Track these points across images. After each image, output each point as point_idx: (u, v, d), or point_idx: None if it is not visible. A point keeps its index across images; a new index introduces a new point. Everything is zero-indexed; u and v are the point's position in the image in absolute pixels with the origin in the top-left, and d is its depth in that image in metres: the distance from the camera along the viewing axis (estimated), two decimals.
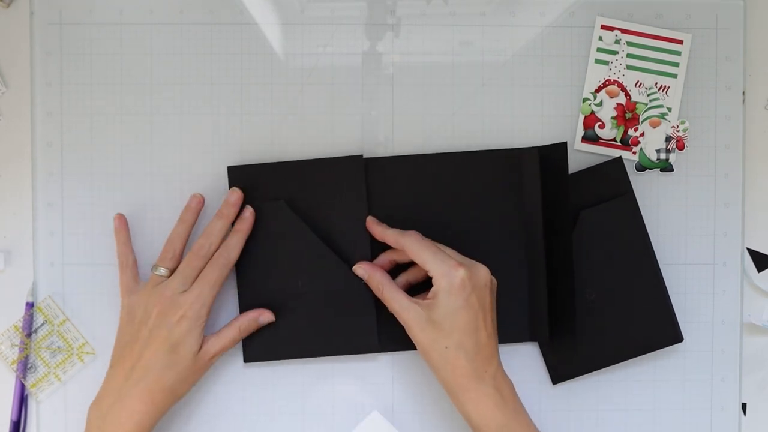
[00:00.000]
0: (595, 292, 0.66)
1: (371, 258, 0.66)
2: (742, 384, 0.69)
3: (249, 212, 0.65)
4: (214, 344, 0.63)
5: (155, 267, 0.63)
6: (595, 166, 0.67)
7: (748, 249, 0.69)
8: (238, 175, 0.66)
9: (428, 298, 0.61)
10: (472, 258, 0.62)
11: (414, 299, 0.62)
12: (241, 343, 0.66)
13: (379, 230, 0.65)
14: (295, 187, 0.66)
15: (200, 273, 0.63)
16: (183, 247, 0.64)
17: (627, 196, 0.67)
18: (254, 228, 0.65)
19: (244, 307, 0.66)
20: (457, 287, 0.59)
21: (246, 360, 0.66)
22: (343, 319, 0.66)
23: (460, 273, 0.59)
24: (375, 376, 0.68)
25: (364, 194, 0.66)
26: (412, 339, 0.61)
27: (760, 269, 0.70)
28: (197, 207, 0.65)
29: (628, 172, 0.68)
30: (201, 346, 0.62)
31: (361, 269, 0.64)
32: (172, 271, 0.63)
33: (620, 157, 0.67)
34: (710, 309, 0.69)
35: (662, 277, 0.67)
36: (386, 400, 0.68)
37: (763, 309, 0.70)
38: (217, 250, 0.63)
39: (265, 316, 0.65)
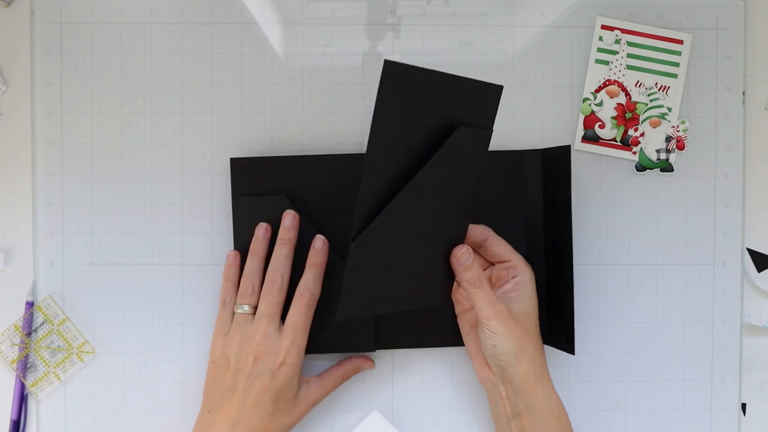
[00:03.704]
0: (420, 227, 0.57)
1: None
2: (742, 384, 0.69)
3: (321, 242, 0.63)
4: (318, 390, 0.64)
5: (238, 305, 0.62)
6: (477, 81, 0.56)
7: (748, 249, 0.69)
8: (240, 167, 0.65)
9: (508, 291, 0.62)
10: None
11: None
12: None
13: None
14: (297, 182, 0.65)
15: (282, 308, 0.62)
16: (261, 280, 0.63)
17: (487, 132, 0.58)
18: (253, 221, 0.64)
19: None
20: (533, 280, 0.63)
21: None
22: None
23: (530, 268, 0.63)
24: (375, 376, 0.68)
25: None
26: (502, 330, 0.59)
27: (760, 269, 0.70)
28: (266, 236, 0.64)
29: (629, 173, 0.68)
30: (300, 389, 0.62)
31: (467, 254, 0.59)
32: (254, 307, 0.62)
33: (501, 86, 0.57)
34: (710, 309, 0.69)
35: (465, 234, 0.60)
36: (386, 400, 0.68)
37: (763, 309, 0.70)
38: (289, 278, 0.62)
39: (368, 365, 0.66)
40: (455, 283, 0.62)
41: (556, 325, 0.65)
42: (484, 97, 0.57)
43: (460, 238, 0.60)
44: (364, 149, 0.67)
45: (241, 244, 0.64)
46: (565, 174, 0.63)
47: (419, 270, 0.58)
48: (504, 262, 0.63)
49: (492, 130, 0.58)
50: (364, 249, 0.54)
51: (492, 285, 0.64)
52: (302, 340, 0.61)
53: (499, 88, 0.57)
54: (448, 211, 0.58)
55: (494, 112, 0.57)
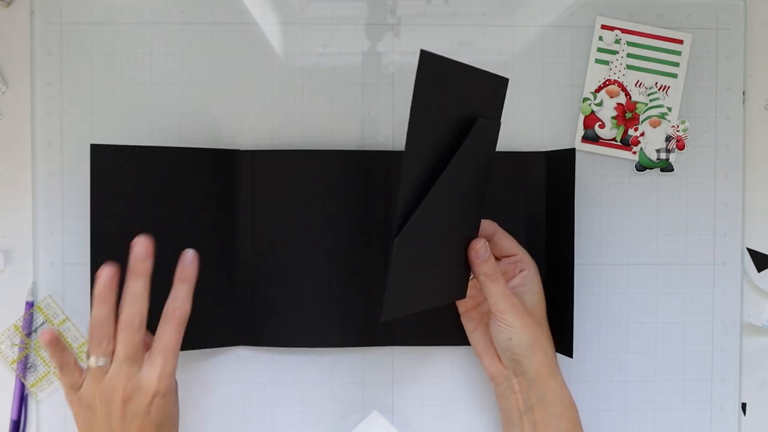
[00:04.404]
0: (447, 222, 0.56)
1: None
2: (742, 384, 0.69)
3: (191, 256, 0.59)
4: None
5: (91, 358, 0.56)
6: (485, 72, 0.55)
7: (748, 249, 0.69)
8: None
9: (517, 286, 0.63)
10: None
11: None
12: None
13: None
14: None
15: (143, 345, 0.57)
16: (115, 326, 0.57)
17: (498, 124, 0.58)
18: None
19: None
20: (538, 273, 0.64)
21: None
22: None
23: (534, 262, 0.64)
24: (375, 376, 0.68)
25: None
26: (517, 323, 0.59)
27: (760, 269, 0.70)
28: (115, 280, 0.57)
29: (629, 173, 0.68)
30: (179, 410, 0.59)
31: (484, 248, 0.58)
32: (112, 355, 0.57)
33: (507, 79, 0.57)
34: (710, 309, 0.69)
35: (479, 227, 0.60)
36: (386, 400, 0.68)
37: (763, 309, 0.70)
38: (147, 313, 0.57)
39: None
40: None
41: (555, 328, 0.65)
42: (494, 90, 0.57)
43: (475, 233, 0.60)
44: (364, 149, 0.67)
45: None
46: (568, 177, 0.63)
47: (444, 266, 0.58)
48: (511, 256, 0.64)
49: (500, 123, 0.58)
50: (405, 245, 0.52)
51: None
52: (173, 364, 0.57)
53: (505, 81, 0.57)
54: (467, 205, 0.57)
55: (501, 105, 0.57)
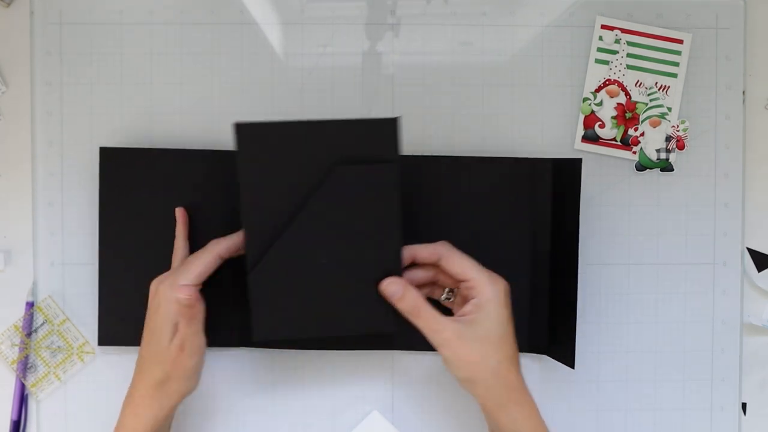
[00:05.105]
0: (327, 258, 0.59)
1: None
2: (742, 384, 0.69)
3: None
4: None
5: None
6: (367, 120, 0.58)
7: (748, 249, 0.69)
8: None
9: (467, 313, 0.58)
10: None
11: (448, 317, 0.58)
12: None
13: (408, 252, 0.60)
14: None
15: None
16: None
17: (392, 165, 0.58)
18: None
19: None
20: (503, 298, 0.58)
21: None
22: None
23: (503, 283, 0.58)
24: (375, 376, 0.68)
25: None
26: (451, 358, 0.57)
27: (760, 269, 0.70)
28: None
29: (629, 173, 0.68)
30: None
31: (394, 285, 0.58)
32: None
33: (395, 119, 0.58)
34: (710, 309, 0.69)
35: (401, 263, 0.59)
36: (386, 400, 0.68)
37: (763, 309, 0.70)
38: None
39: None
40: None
41: (557, 338, 0.64)
42: (380, 132, 0.58)
43: (396, 268, 0.59)
44: None
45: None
46: (574, 188, 0.62)
47: (354, 297, 0.59)
48: (464, 281, 0.59)
49: (398, 162, 0.58)
50: (262, 279, 0.58)
51: (461, 303, 0.60)
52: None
53: (392, 121, 0.58)
54: (369, 241, 0.59)
55: (395, 145, 0.58)
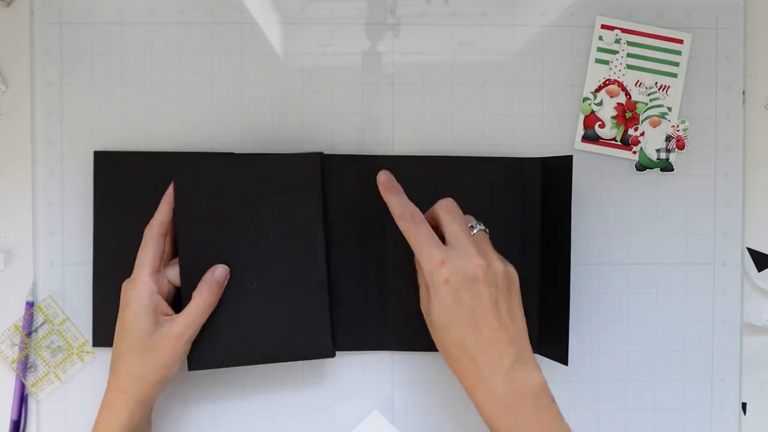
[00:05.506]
0: (257, 282, 0.63)
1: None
2: (742, 384, 0.69)
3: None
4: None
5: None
6: (293, 155, 0.63)
7: (748, 249, 0.69)
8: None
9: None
10: None
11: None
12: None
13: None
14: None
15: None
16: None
17: (313, 193, 0.63)
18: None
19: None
20: (441, 285, 0.56)
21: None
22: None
23: (443, 271, 0.56)
24: (375, 376, 0.68)
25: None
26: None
27: (760, 269, 0.70)
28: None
29: (629, 172, 0.68)
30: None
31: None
32: None
33: (318, 153, 0.63)
34: (710, 309, 0.69)
35: (327, 288, 0.63)
36: (386, 400, 0.68)
37: (763, 309, 0.70)
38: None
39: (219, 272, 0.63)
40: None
41: (550, 336, 0.64)
42: (304, 165, 0.63)
43: (321, 292, 0.63)
44: (364, 149, 0.67)
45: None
46: (565, 185, 0.62)
47: (289, 323, 0.63)
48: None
49: (318, 191, 0.63)
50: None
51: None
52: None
53: (316, 156, 0.63)
54: (296, 265, 0.63)
55: (317, 176, 0.63)
